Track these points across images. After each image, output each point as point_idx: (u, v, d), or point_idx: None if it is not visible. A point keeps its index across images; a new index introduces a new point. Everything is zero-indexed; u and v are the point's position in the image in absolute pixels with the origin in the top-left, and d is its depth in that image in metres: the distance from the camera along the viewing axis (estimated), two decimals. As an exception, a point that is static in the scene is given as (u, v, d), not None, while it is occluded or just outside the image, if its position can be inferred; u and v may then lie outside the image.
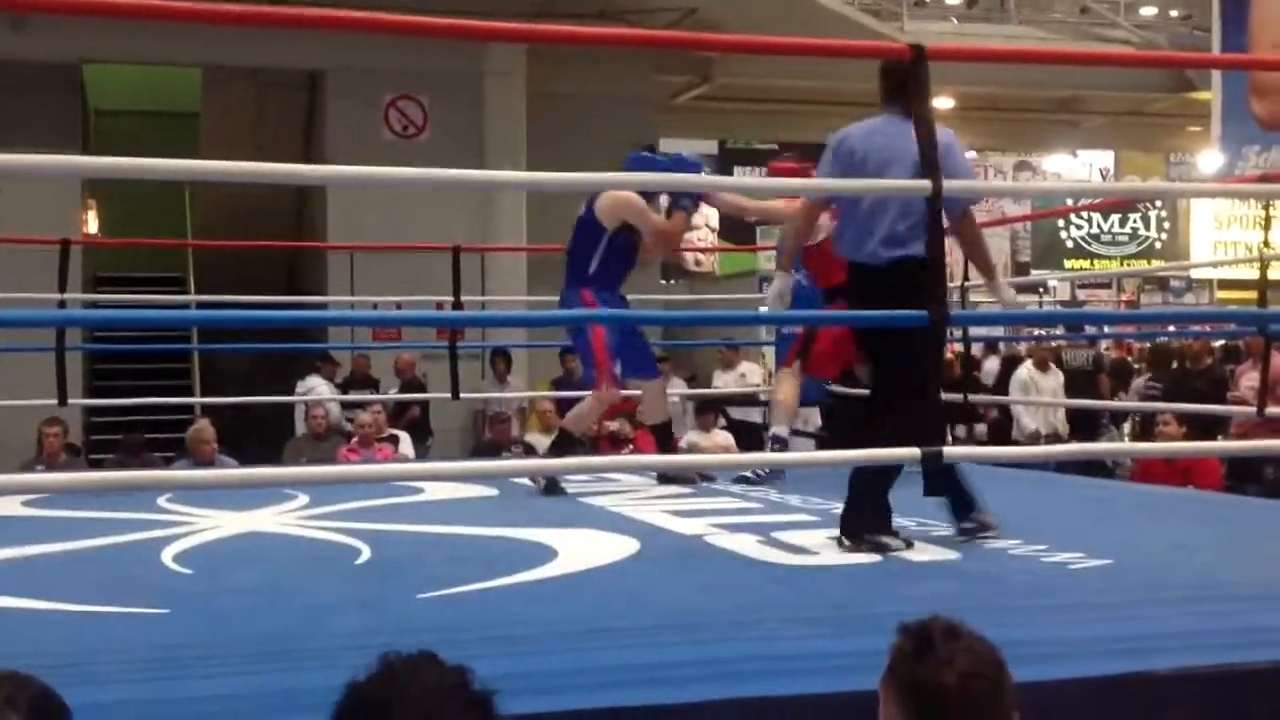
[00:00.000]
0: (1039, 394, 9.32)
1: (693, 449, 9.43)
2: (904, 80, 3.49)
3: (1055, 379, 9.67)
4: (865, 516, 3.78)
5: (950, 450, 3.09)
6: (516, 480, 5.47)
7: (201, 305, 8.11)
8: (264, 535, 4.38)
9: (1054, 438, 9.13)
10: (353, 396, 9.58)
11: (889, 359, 3.78)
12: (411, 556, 3.92)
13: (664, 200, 5.65)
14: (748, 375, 10.70)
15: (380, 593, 3.28)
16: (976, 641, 1.73)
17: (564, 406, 10.18)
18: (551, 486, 5.38)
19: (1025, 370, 9.64)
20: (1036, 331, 10.84)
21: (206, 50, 11.73)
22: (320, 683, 1.56)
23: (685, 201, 5.52)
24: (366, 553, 3.88)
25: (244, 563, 3.85)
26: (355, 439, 8.24)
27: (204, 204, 13.80)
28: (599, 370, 5.37)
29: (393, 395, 10.00)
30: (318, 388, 9.99)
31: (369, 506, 4.76)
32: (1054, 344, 10.72)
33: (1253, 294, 5.43)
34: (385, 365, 10.95)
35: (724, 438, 9.50)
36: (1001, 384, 10.58)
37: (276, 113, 13.81)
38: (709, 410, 9.62)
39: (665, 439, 5.79)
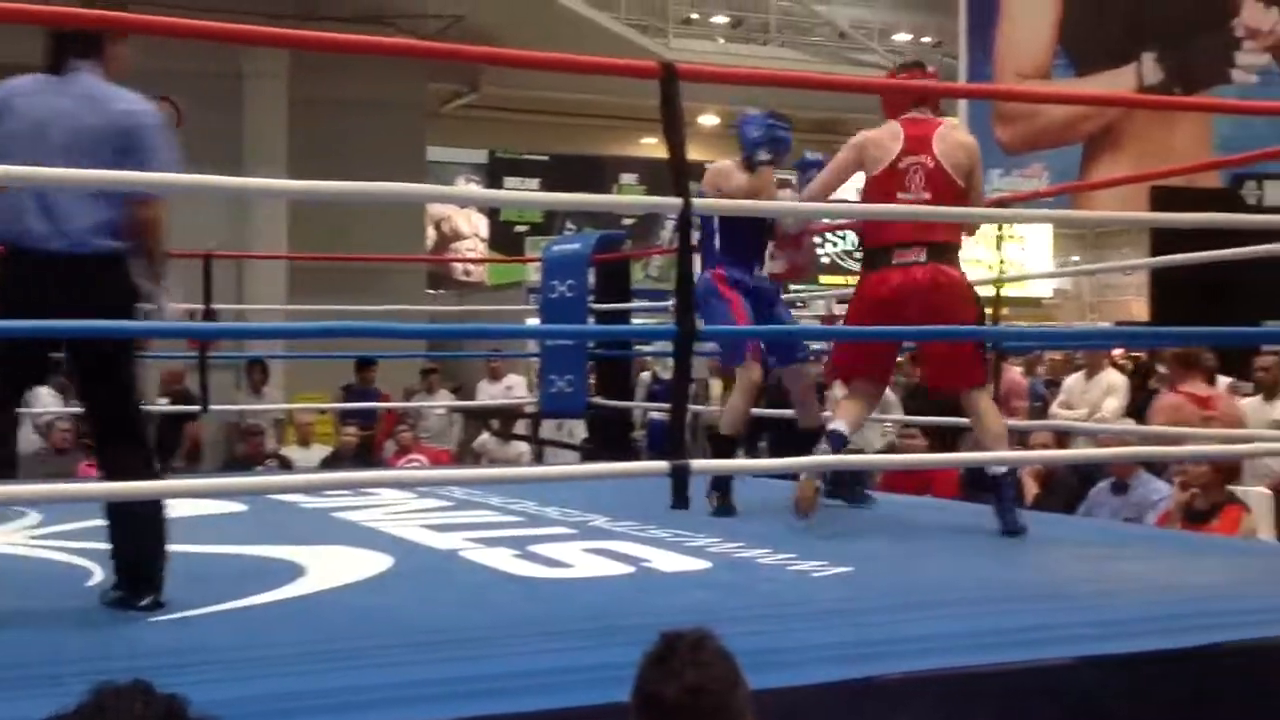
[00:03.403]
0: (885, 407, 9.36)
1: (482, 450, 9.88)
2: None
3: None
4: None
5: (698, 463, 3.15)
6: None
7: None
8: (-12, 556, 4.13)
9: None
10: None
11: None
12: (149, 577, 3.75)
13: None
14: (514, 388, 10.70)
15: (111, 616, 3.12)
16: (716, 656, 1.76)
17: (345, 417, 10.06)
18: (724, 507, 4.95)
19: None
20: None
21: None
22: (43, 712, 1.49)
23: (761, 155, 5.08)
24: (99, 574, 3.70)
25: (-36, 586, 3.61)
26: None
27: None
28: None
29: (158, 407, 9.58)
30: (44, 399, 9.46)
31: (104, 524, 4.53)
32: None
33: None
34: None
35: (518, 447, 9.74)
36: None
37: (19, 109, 13.10)
38: (510, 419, 9.81)
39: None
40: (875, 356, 4.77)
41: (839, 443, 4.50)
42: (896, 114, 4.72)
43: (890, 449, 8.86)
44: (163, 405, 9.69)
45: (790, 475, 4.88)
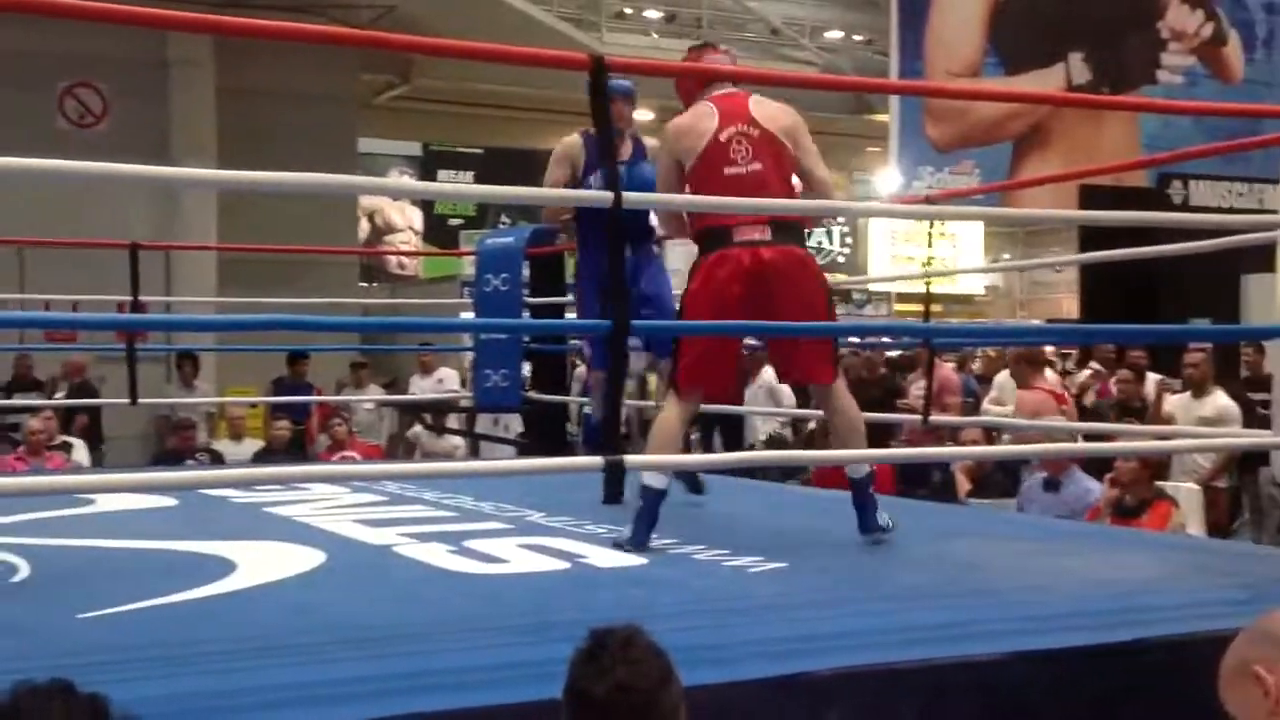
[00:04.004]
0: (778, 399, 9.46)
1: (415, 441, 9.91)
2: None
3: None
4: None
5: (632, 459, 3.14)
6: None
7: None
8: (-93, 553, 4.03)
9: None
10: (23, 401, 8.99)
11: None
12: (75, 573, 3.68)
13: None
14: (445, 380, 10.65)
15: (37, 613, 3.05)
16: (646, 653, 1.75)
17: (276, 411, 9.92)
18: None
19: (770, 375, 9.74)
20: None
21: None
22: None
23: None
24: (25, 569, 3.62)
25: (-119, 584, 3.52)
26: (23, 447, 7.71)
27: None
28: None
29: (64, 400, 9.43)
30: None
31: (31, 520, 4.45)
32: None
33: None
34: (54, 369, 10.34)
35: (452, 441, 9.69)
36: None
37: (-62, 96, 12.81)
38: (442, 414, 9.75)
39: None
40: (727, 355, 4.29)
41: (655, 500, 3.96)
42: (696, 95, 4.28)
43: (773, 441, 8.97)
44: (59, 398, 9.58)
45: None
